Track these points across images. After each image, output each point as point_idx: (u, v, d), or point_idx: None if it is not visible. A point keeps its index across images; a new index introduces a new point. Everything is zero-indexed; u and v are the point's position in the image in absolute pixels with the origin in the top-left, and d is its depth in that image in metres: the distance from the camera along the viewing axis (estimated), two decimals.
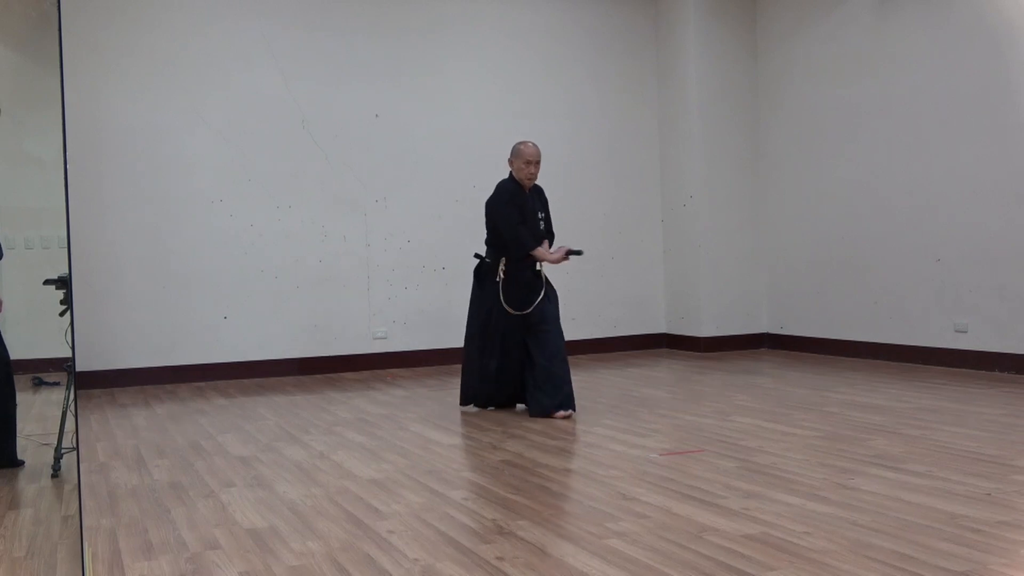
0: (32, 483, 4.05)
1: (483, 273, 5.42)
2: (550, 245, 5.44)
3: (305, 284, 7.38)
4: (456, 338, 7.83)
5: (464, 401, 5.55)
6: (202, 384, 6.94)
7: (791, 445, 4.21)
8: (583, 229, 8.32)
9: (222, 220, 7.13)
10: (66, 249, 3.27)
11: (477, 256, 5.53)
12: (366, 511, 3.35)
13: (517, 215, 5.29)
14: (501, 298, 5.26)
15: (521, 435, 4.70)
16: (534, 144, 5.41)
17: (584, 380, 6.68)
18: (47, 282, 3.86)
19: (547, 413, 5.14)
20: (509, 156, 5.45)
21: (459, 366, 7.73)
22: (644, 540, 2.91)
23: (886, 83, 7.08)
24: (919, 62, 6.82)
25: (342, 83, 7.47)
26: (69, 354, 3.94)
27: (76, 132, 6.27)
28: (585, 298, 8.32)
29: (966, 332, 6.52)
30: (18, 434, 4.38)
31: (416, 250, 7.72)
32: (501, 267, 5.29)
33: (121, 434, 5.06)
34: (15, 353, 4.30)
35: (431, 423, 5.13)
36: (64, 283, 3.80)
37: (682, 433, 4.60)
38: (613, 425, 4.89)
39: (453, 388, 6.46)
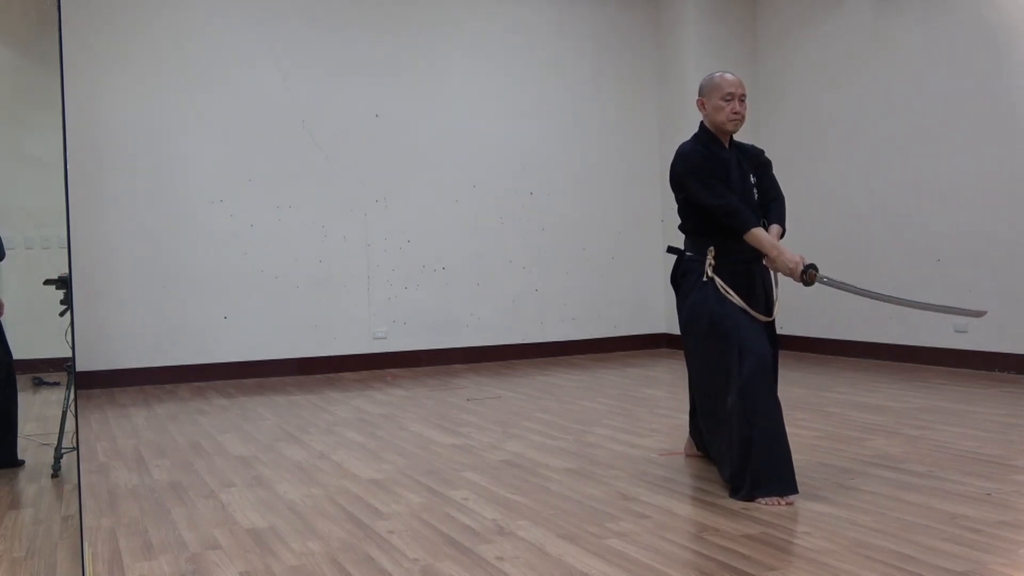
0: (32, 483, 4.05)
1: (682, 275, 3.72)
2: (780, 235, 3.64)
3: (305, 284, 7.37)
4: (455, 338, 7.88)
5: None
6: (202, 384, 6.94)
7: (791, 445, 4.20)
8: (583, 228, 8.33)
9: (222, 220, 7.13)
10: (66, 249, 3.27)
11: (672, 251, 3.85)
12: (366, 511, 3.35)
13: (718, 177, 3.59)
14: (711, 304, 3.53)
15: (521, 435, 4.70)
16: (733, 73, 3.78)
17: (584, 380, 6.68)
18: (47, 282, 3.86)
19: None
20: (698, 97, 3.79)
21: (459, 365, 7.78)
22: (644, 540, 2.91)
23: (886, 83, 7.08)
24: (919, 62, 6.81)
25: (342, 83, 7.47)
26: (69, 354, 3.93)
27: (76, 132, 6.27)
28: (585, 298, 8.32)
29: (966, 332, 6.52)
30: (18, 434, 4.38)
31: (416, 250, 7.71)
32: (710, 259, 3.57)
33: (121, 434, 5.06)
34: (15, 353, 4.30)
35: (431, 423, 5.12)
36: (64, 283, 3.80)
37: (682, 433, 4.59)
38: (613, 425, 4.88)
39: (453, 388, 6.46)
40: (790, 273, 3.49)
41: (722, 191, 3.54)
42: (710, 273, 3.55)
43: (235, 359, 7.15)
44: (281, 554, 2.89)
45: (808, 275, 3.49)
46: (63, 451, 4.11)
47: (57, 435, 4.14)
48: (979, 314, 3.88)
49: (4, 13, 5.40)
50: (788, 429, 3.55)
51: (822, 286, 3.64)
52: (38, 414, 5.22)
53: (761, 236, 3.50)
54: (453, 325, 7.84)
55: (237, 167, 7.18)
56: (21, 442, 4.42)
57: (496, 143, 7.99)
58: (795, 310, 7.93)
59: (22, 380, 4.78)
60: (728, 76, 3.70)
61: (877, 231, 7.20)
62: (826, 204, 7.63)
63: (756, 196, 3.70)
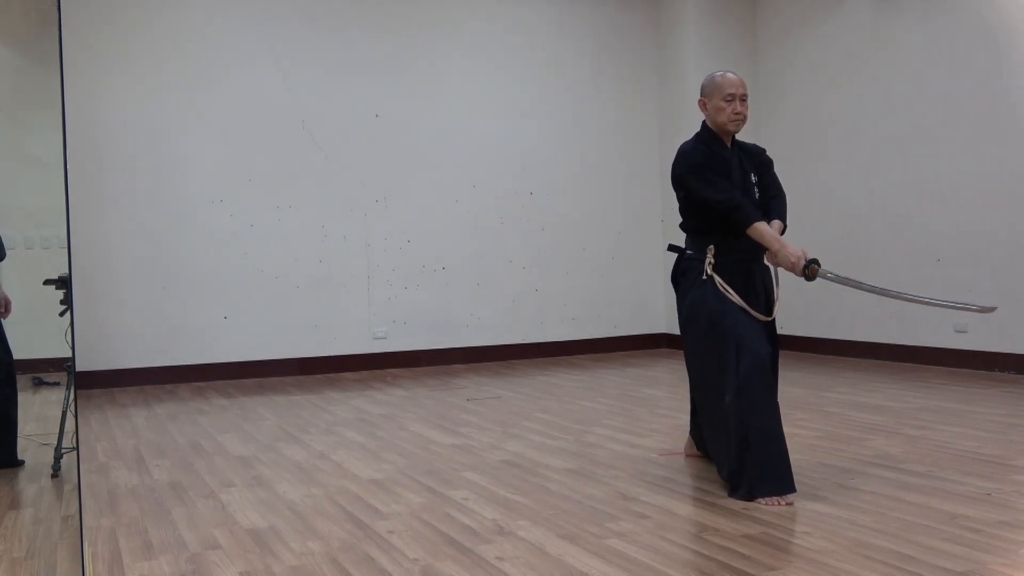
0: (32, 483, 4.05)
1: (682, 274, 3.72)
2: (782, 231, 3.63)
3: (305, 284, 7.37)
4: (455, 338, 7.88)
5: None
6: (202, 384, 6.94)
7: (791, 445, 4.19)
8: (583, 228, 8.33)
9: (222, 220, 7.13)
10: (66, 249, 3.26)
11: (673, 249, 3.86)
12: (366, 511, 3.35)
13: (719, 174, 3.59)
14: (710, 302, 3.52)
15: (521, 435, 4.70)
16: (734, 73, 3.74)
17: (584, 380, 6.68)
18: (47, 282, 3.85)
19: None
20: (700, 97, 3.79)
21: (458, 365, 7.78)
22: (644, 540, 2.91)
23: (886, 83, 7.08)
24: (919, 62, 6.81)
25: (342, 83, 7.47)
26: (69, 354, 3.93)
27: (76, 132, 6.27)
28: (585, 298, 8.32)
29: (966, 332, 6.52)
30: (18, 434, 4.38)
31: (416, 250, 7.71)
32: (709, 257, 3.57)
33: (121, 434, 5.06)
34: (15, 353, 4.30)
35: (431, 423, 5.12)
36: (64, 283, 3.80)
37: (682, 433, 4.59)
38: (613, 425, 4.88)
39: (453, 388, 6.46)
40: (792, 267, 3.46)
41: (724, 186, 3.54)
42: (709, 271, 3.54)
43: (235, 359, 7.15)
44: (281, 554, 2.89)
45: (810, 270, 3.47)
46: (63, 451, 4.11)
47: (57, 435, 4.14)
48: (988, 310, 3.83)
49: (4, 13, 5.40)
50: (788, 429, 3.55)
51: (824, 282, 3.64)
52: (38, 414, 5.21)
53: (764, 230, 3.48)
54: (453, 325, 7.84)
55: (237, 167, 7.18)
56: (21, 442, 4.42)
57: (496, 143, 7.99)
58: (795, 310, 7.93)
59: (22, 380, 4.78)
60: (730, 76, 3.68)
61: (877, 231, 7.20)
62: (826, 204, 7.63)
63: (757, 194, 3.70)
